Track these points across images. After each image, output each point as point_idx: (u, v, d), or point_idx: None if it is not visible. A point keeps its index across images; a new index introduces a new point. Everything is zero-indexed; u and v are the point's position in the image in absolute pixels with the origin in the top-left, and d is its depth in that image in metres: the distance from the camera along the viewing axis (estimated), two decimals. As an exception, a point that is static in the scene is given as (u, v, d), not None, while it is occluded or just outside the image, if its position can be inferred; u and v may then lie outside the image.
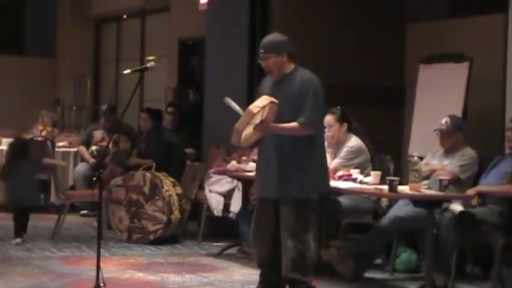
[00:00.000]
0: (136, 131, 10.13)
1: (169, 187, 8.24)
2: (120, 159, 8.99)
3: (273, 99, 5.45)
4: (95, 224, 8.53)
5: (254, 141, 5.59)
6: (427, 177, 6.64)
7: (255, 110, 5.36)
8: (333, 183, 6.58)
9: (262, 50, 5.65)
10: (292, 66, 5.68)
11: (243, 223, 7.50)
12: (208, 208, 8.31)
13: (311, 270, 5.64)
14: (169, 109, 10.57)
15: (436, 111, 7.75)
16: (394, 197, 6.47)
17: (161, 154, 8.97)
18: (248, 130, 5.43)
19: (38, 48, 14.16)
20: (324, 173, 5.77)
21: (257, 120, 5.42)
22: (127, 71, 5.79)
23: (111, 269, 6.80)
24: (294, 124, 5.52)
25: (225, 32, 9.33)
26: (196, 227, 8.63)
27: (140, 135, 9.62)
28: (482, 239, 6.38)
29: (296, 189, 5.58)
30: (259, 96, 5.57)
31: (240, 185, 8.05)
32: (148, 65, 5.66)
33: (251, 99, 5.85)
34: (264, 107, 5.38)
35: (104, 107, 10.26)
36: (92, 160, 9.72)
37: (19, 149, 8.26)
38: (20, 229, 8.01)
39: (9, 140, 10.18)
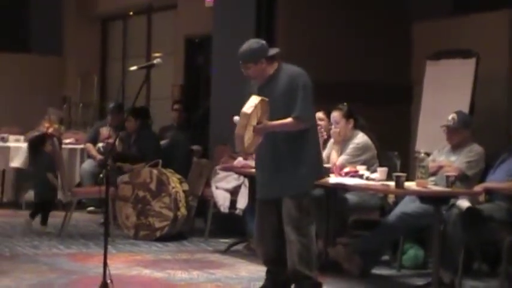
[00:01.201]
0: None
1: (175, 184, 8.24)
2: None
3: (263, 98, 5.46)
4: (102, 220, 8.54)
5: (258, 144, 5.60)
6: (433, 174, 6.62)
7: (249, 111, 5.38)
8: (340, 180, 6.59)
9: (240, 61, 5.65)
10: (275, 66, 5.67)
11: (250, 220, 7.49)
12: (215, 205, 8.32)
13: (316, 265, 5.65)
14: (176, 106, 10.57)
15: (443, 107, 7.74)
16: (400, 193, 6.47)
17: (155, 153, 8.92)
18: (249, 134, 5.44)
19: (44, 46, 14.18)
20: (318, 164, 5.77)
21: (253, 121, 5.44)
22: (133, 68, 5.79)
23: (118, 265, 6.80)
24: (289, 120, 5.53)
25: (232, 30, 9.32)
26: (202, 224, 8.64)
27: (129, 137, 9.41)
28: (489, 235, 6.35)
29: (294, 185, 5.58)
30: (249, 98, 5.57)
31: (246, 181, 8.05)
32: (155, 61, 5.65)
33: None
34: (256, 105, 5.40)
35: (111, 105, 10.27)
36: (98, 157, 9.73)
37: (36, 143, 8.55)
38: (43, 218, 8.44)
39: (17, 137, 10.36)
